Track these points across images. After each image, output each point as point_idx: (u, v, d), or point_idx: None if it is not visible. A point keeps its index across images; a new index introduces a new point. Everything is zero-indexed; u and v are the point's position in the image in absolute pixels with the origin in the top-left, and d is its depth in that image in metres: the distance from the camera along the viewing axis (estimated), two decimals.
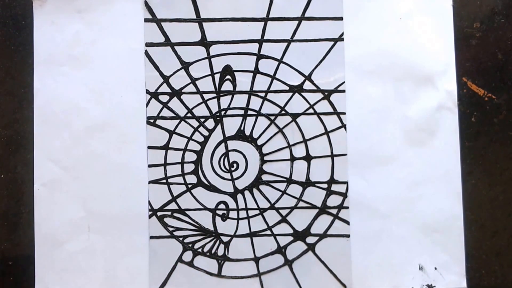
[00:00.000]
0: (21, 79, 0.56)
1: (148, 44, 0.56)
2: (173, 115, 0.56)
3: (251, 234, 0.56)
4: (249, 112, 0.56)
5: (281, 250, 0.56)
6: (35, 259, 0.55)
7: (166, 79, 0.56)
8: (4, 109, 0.57)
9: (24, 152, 0.56)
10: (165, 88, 0.56)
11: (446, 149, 0.56)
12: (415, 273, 0.55)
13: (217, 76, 0.56)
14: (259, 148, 0.56)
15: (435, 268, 0.55)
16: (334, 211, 0.56)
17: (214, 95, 0.56)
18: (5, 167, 0.56)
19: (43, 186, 0.56)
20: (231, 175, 0.56)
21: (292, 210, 0.56)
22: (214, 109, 0.56)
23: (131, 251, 0.55)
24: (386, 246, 0.56)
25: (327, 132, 0.56)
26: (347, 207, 0.56)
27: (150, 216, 0.56)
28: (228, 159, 0.56)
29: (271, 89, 0.56)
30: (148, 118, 0.56)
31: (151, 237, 0.56)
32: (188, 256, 0.56)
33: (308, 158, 0.56)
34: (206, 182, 0.56)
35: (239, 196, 0.56)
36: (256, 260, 0.56)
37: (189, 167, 0.56)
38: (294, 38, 0.56)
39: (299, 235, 0.56)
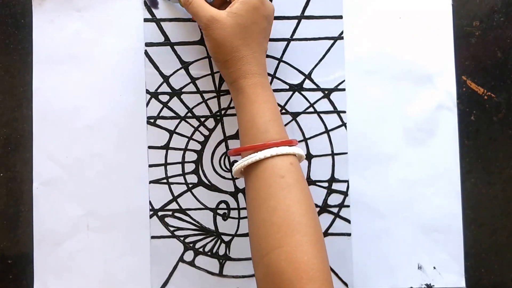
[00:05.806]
0: (21, 78, 0.56)
1: (148, 44, 0.56)
2: (174, 114, 0.56)
3: None
4: None
5: None
6: (34, 258, 0.55)
7: (166, 78, 0.56)
8: (3, 108, 0.56)
9: (23, 151, 0.56)
10: (165, 88, 0.56)
11: (445, 147, 0.56)
12: (414, 273, 0.56)
13: (217, 76, 0.56)
14: None
15: (434, 268, 0.56)
16: (335, 210, 0.56)
17: (214, 94, 0.56)
18: (4, 166, 0.56)
19: (42, 185, 0.56)
20: (232, 175, 0.56)
21: None
22: (214, 108, 0.56)
23: (132, 251, 0.55)
24: (386, 245, 0.56)
25: (327, 131, 0.56)
26: (348, 206, 0.56)
27: (151, 216, 0.56)
28: (229, 159, 0.56)
29: (271, 87, 0.56)
30: (148, 118, 0.56)
31: (152, 237, 0.56)
32: (189, 255, 0.56)
33: (308, 156, 0.56)
34: (206, 182, 0.56)
35: (240, 196, 0.56)
36: None
37: (189, 167, 0.56)
38: (294, 37, 0.56)
39: None
